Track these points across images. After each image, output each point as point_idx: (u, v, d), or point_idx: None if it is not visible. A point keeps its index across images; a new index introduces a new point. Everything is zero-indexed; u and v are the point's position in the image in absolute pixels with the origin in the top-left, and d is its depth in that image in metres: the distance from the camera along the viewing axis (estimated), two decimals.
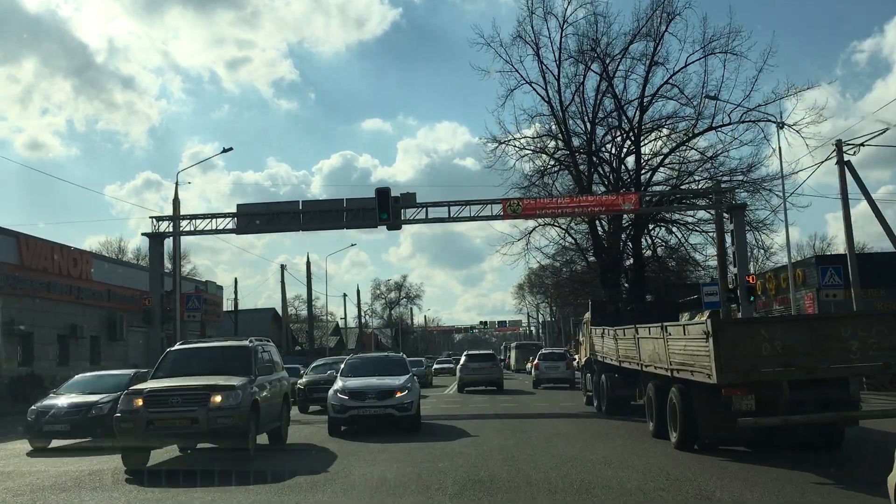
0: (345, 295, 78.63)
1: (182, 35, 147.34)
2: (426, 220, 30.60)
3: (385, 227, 30.12)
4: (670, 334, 13.45)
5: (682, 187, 35.59)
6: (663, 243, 40.34)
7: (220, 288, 50.75)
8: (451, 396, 30.99)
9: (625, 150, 40.09)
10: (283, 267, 56.30)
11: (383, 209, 29.16)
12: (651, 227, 39.42)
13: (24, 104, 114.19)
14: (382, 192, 29.47)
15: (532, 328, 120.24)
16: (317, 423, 18.12)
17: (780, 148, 28.91)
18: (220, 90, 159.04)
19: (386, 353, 22.32)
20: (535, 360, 38.21)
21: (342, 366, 18.86)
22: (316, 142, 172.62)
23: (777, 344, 11.49)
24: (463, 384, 33.82)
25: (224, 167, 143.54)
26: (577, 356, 29.95)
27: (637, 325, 16.05)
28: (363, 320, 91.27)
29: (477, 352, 38.79)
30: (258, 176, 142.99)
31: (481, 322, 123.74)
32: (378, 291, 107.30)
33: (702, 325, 11.94)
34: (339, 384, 16.97)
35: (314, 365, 26.66)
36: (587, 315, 24.19)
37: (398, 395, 16.36)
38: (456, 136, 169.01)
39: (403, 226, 30.83)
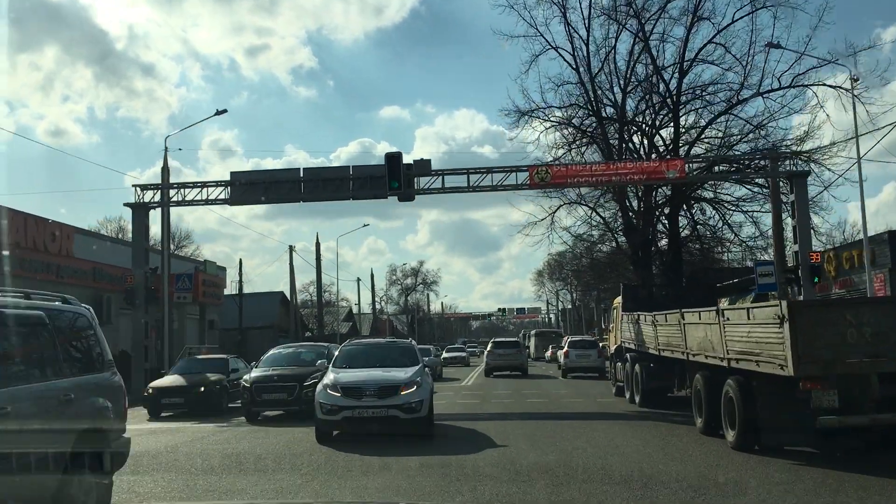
0: (358, 279, 75.68)
1: (202, 22, 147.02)
2: (442, 191, 27.16)
3: (396, 197, 26.74)
4: (728, 319, 11.96)
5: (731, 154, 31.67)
6: (703, 222, 36.63)
7: (223, 269, 47.56)
8: (469, 389, 27.56)
9: (660, 119, 36.38)
10: (291, 248, 53.02)
11: (394, 177, 25.77)
12: (688, 204, 35.80)
13: (46, 91, 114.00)
14: (393, 158, 26.06)
15: (551, 315, 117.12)
16: (303, 426, 14.63)
17: (853, 105, 24.77)
18: (239, 77, 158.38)
19: (391, 339, 18.86)
20: (565, 348, 36.45)
21: (336, 354, 15.38)
22: (334, 129, 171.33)
23: (865, 330, 9.95)
24: (490, 368, 36.00)
25: (242, 154, 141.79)
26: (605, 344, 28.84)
27: (683, 311, 14.40)
28: (379, 306, 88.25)
29: (503, 339, 41.10)
30: (277, 163, 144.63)
31: (499, 309, 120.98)
32: (394, 277, 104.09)
33: (774, 307, 10.46)
34: (330, 377, 13.61)
35: (268, 354, 19.79)
36: (618, 300, 23.19)
37: (404, 391, 13.00)
38: (474, 123, 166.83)
39: (417, 198, 27.49)
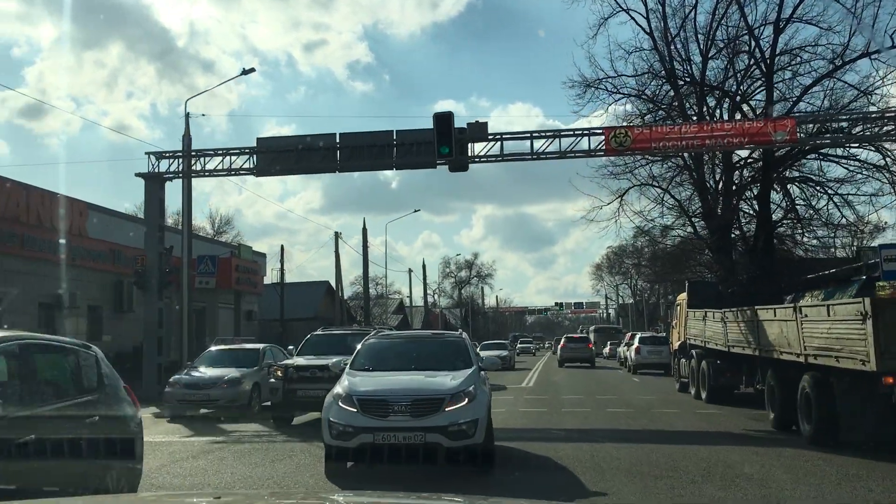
0: (410, 270, 71.53)
1: (260, 19, 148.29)
2: (501, 158, 23.03)
3: (447, 166, 22.74)
4: (806, 316, 12.02)
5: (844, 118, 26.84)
6: (803, 202, 31.88)
7: (262, 255, 44.14)
8: (531, 392, 23.33)
9: (749, 86, 31.77)
10: (337, 234, 49.35)
11: (444, 141, 21.74)
12: (781, 182, 31.14)
13: (111, 88, 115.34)
14: (443, 119, 21.99)
15: (610, 311, 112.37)
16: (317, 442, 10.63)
17: None
18: (296, 73, 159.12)
19: (434, 332, 14.79)
20: (635, 345, 36.01)
21: (356, 350, 10.90)
22: (389, 123, 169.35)
23: None
24: (563, 359, 40.97)
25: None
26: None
27: (756, 307, 14.57)
28: (431, 299, 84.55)
29: (574, 335, 48.43)
30: None
31: (556, 304, 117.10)
32: (447, 270, 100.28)
33: (857, 304, 10.45)
34: (345, 383, 9.56)
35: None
36: (682, 297, 23.68)
37: (450, 407, 8.97)
38: (529, 117, 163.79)
39: (471, 166, 23.45)
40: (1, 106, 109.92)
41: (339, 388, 9.42)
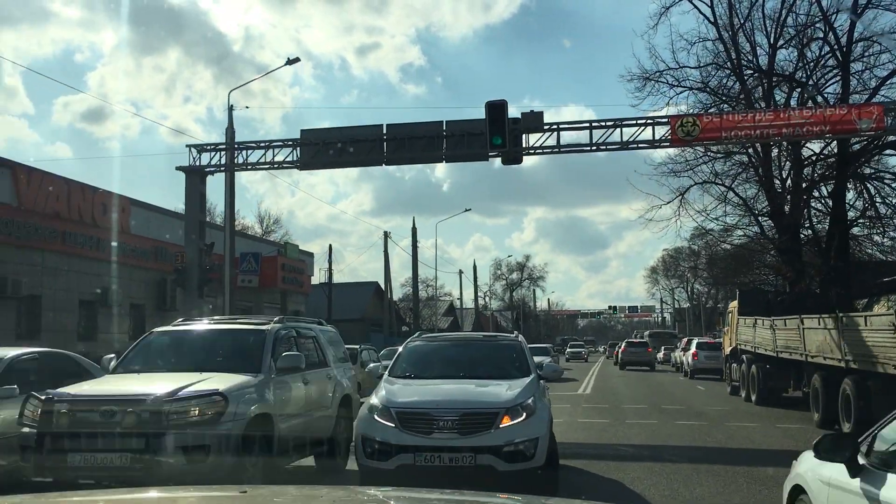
0: (460, 271, 70.31)
1: (314, 23, 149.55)
2: (558, 150, 21.56)
3: (499, 158, 21.45)
4: (846, 325, 13.12)
5: None
6: (879, 200, 29.70)
7: (309, 255, 43.26)
8: (591, 397, 21.78)
9: (822, 76, 29.82)
10: (386, 234, 48.45)
11: (497, 131, 20.37)
12: (857, 178, 29.09)
13: (169, 92, 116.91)
14: (496, 107, 20.61)
15: (665, 315, 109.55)
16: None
17: None
18: (349, 77, 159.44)
19: (486, 334, 13.21)
20: (692, 350, 35.60)
21: (397, 354, 9.72)
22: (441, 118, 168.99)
23: None
24: (624, 363, 42.56)
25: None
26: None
27: (803, 316, 15.76)
28: (482, 302, 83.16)
29: (635, 340, 51.05)
30: None
31: (610, 307, 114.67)
32: (499, 272, 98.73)
33: (889, 316, 11.79)
34: (382, 393, 8.35)
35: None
36: (733, 304, 24.78)
37: (507, 423, 7.65)
38: (582, 118, 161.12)
39: (523, 167, 22.12)
40: (63, 110, 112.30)
41: (375, 399, 8.19)
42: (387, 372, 9.11)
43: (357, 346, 21.62)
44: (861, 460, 4.21)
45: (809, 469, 4.88)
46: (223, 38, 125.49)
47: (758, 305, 21.24)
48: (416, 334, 10.72)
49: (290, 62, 24.94)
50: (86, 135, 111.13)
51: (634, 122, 20.95)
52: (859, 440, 4.38)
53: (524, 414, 7.72)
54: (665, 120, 20.73)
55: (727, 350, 24.64)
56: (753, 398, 19.35)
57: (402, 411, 7.76)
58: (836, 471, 4.35)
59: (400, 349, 9.70)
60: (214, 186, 49.29)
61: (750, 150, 31.08)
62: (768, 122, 19.79)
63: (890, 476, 3.94)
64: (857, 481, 4.17)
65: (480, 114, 20.81)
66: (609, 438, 13.01)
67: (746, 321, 20.87)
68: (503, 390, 8.11)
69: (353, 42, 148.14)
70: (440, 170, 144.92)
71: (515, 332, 11.10)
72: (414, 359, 9.40)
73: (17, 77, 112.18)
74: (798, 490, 5.03)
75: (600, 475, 9.24)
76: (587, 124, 21.05)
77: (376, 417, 7.83)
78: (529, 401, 7.91)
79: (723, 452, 11.51)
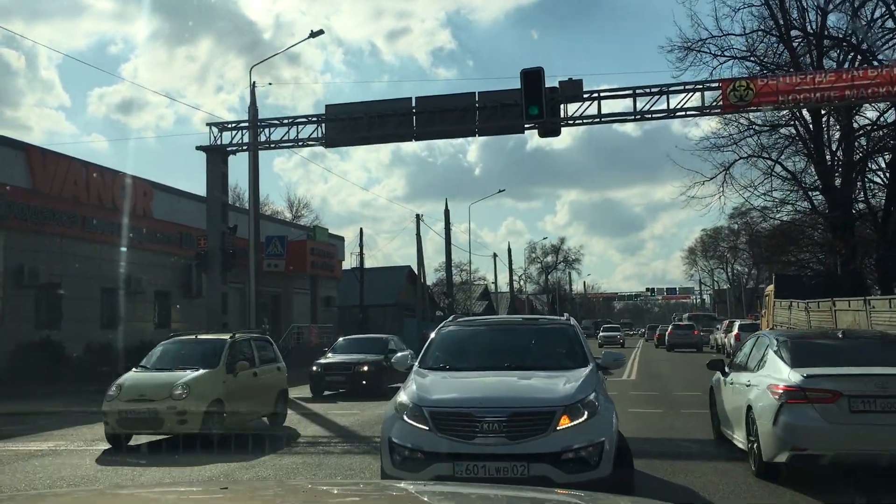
0: (494, 255, 68.95)
1: (343, 9, 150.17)
2: (599, 120, 20.19)
3: (536, 130, 20.12)
4: (874, 307, 15.14)
5: None
6: None
7: (341, 239, 42.20)
8: (637, 383, 20.45)
9: (881, 38, 28.05)
10: (418, 217, 47.20)
11: (533, 100, 19.08)
12: None
13: (201, 82, 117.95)
14: (531, 75, 19.30)
15: (704, 296, 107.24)
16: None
17: None
18: (379, 62, 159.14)
19: (529, 318, 11.57)
20: (735, 331, 34.30)
21: (428, 341, 8.23)
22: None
23: None
24: (672, 345, 42.92)
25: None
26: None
27: (835, 299, 17.56)
28: (517, 285, 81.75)
29: (682, 323, 49.79)
30: (416, 146, 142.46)
31: (647, 290, 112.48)
32: (533, 255, 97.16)
33: None
34: (412, 388, 6.98)
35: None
36: (770, 288, 26.70)
37: (564, 424, 6.34)
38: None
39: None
40: (99, 102, 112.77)
41: (403, 396, 6.86)
42: (416, 362, 7.79)
43: (385, 336, 21.93)
44: (727, 369, 9.95)
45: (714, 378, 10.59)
46: (253, 26, 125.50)
47: (793, 289, 22.99)
48: (449, 318, 9.31)
49: (313, 35, 23.76)
50: (120, 125, 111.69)
51: (682, 87, 19.52)
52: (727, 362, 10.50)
53: (585, 413, 6.42)
54: (715, 85, 19.26)
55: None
56: None
57: (438, 411, 6.47)
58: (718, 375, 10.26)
59: (431, 335, 8.38)
60: (242, 170, 48.64)
61: (797, 122, 29.47)
62: (829, 84, 18.22)
63: (734, 374, 9.36)
64: (727, 377, 9.68)
65: (514, 91, 19.55)
66: (667, 432, 11.70)
67: (782, 304, 22.59)
68: (559, 384, 6.81)
69: (383, 27, 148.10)
70: (472, 153, 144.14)
71: (566, 314, 9.67)
72: (448, 347, 8.06)
73: (53, 70, 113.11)
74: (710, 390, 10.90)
75: (666, 480, 7.92)
76: (630, 91, 19.65)
77: (406, 419, 6.55)
78: (591, 396, 6.60)
79: None
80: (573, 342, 7.90)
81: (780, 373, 7.72)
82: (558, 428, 6.28)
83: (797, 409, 7.23)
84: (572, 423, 6.31)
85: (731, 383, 9.33)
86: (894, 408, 7.05)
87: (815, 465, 7.35)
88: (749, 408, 8.07)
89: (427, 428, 6.39)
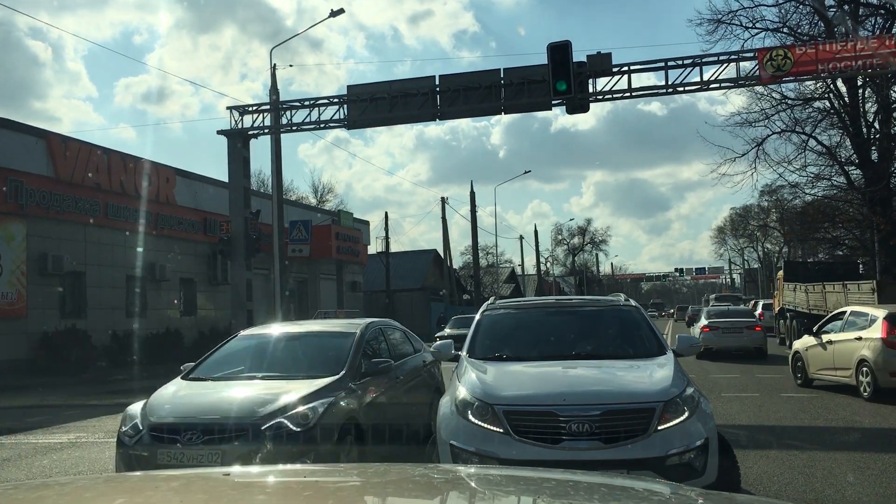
0: (521, 237, 68.39)
1: None
2: (630, 94, 19.53)
3: (564, 106, 19.50)
4: (849, 290, 19.69)
5: None
6: None
7: (366, 223, 41.85)
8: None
9: None
10: (443, 199, 46.76)
11: (561, 75, 18.51)
12: None
13: (226, 70, 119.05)
14: (559, 49, 18.72)
15: (734, 276, 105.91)
16: None
17: None
18: (402, 47, 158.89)
19: (583, 298, 10.25)
20: (759, 311, 33.82)
21: (473, 327, 7.16)
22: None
23: None
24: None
25: None
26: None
27: (824, 283, 21.97)
28: (544, 268, 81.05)
29: (720, 302, 47.77)
30: (439, 129, 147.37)
31: (676, 270, 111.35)
32: (560, 237, 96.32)
33: (869, 283, 19.22)
34: (472, 380, 5.99)
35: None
36: (780, 273, 28.74)
37: (666, 423, 5.39)
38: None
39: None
40: (125, 92, 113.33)
41: (463, 390, 5.85)
42: (464, 351, 6.76)
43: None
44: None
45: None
46: (275, 13, 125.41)
47: (798, 273, 26.30)
48: (490, 300, 8.20)
49: (333, 14, 23.26)
50: (147, 115, 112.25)
51: (715, 58, 18.76)
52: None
53: (686, 410, 5.49)
54: (751, 55, 18.50)
55: (776, 309, 29.17)
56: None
57: (514, 410, 5.47)
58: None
59: (477, 318, 7.32)
60: (266, 156, 48.27)
61: (831, 95, 28.58)
62: (872, 51, 17.41)
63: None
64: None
65: (540, 67, 18.94)
66: (726, 415, 11.15)
67: (789, 286, 25.33)
68: (647, 375, 5.95)
69: (405, 11, 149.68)
70: (496, 136, 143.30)
71: (622, 294, 8.92)
72: (499, 333, 7.09)
73: (80, 62, 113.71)
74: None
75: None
76: (662, 63, 18.96)
77: (472, 419, 5.55)
78: (689, 391, 5.67)
79: (854, 435, 9.57)
80: (644, 326, 6.98)
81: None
82: (659, 428, 5.34)
83: None
84: (673, 423, 5.39)
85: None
86: None
87: None
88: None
89: (501, 430, 5.41)
